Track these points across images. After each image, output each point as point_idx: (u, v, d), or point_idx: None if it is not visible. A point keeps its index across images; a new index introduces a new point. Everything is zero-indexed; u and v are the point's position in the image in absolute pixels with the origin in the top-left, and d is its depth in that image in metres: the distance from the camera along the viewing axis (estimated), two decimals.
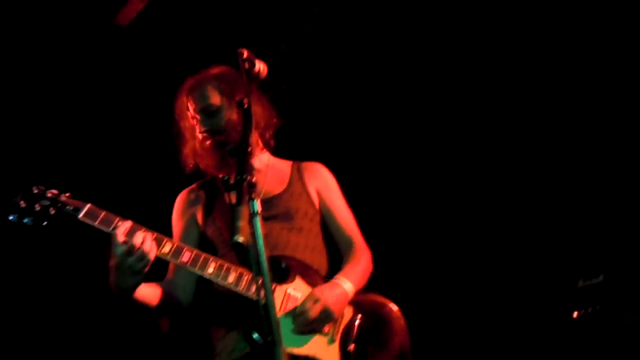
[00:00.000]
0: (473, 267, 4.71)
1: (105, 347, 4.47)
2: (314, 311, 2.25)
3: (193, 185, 2.70)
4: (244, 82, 2.12)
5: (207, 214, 2.56)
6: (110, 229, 2.17)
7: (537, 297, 4.41)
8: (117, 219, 2.20)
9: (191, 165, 2.64)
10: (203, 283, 2.44)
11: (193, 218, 2.59)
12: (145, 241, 2.13)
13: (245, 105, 2.02)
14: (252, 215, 1.74)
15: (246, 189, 1.72)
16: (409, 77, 4.49)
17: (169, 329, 4.59)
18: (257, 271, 1.70)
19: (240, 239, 1.58)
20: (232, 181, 1.78)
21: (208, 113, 2.57)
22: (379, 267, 2.65)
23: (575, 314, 3.90)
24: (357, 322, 2.37)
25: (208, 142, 2.57)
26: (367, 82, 4.50)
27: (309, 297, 2.29)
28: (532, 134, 4.53)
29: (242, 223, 1.61)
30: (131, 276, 2.15)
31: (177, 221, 2.62)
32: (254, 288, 2.25)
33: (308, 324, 2.26)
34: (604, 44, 4.11)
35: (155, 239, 2.22)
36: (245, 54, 2.19)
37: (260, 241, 1.72)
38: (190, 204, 2.63)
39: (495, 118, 4.61)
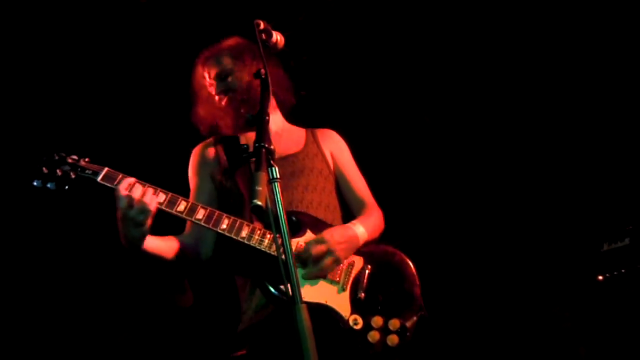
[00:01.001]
0: (500, 229, 4.73)
1: (132, 316, 4.62)
2: (316, 249, 2.32)
3: (209, 139, 2.75)
4: (261, 53, 2.16)
5: (225, 169, 2.61)
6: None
7: (562, 261, 4.42)
8: (134, 181, 2.29)
9: (207, 126, 2.72)
10: (225, 241, 2.48)
11: (209, 173, 2.66)
12: (145, 194, 2.21)
13: (263, 75, 2.08)
14: (272, 180, 1.82)
15: (264, 156, 1.80)
16: (427, 48, 4.49)
17: (193, 303, 4.70)
18: (277, 233, 1.77)
19: (259, 202, 1.65)
20: (251, 149, 1.85)
21: (222, 77, 2.71)
22: (393, 239, 2.71)
23: (600, 277, 3.91)
24: (367, 272, 2.42)
25: (224, 101, 2.68)
26: (385, 50, 4.50)
27: (313, 240, 2.37)
28: (562, 101, 4.53)
29: (260, 188, 1.68)
30: (135, 227, 2.22)
31: (193, 175, 2.69)
32: (266, 242, 2.32)
33: (312, 263, 2.32)
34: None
35: (170, 199, 2.30)
36: (262, 25, 2.25)
37: (280, 205, 1.80)
38: (206, 158, 2.69)
39: (517, 89, 4.60)
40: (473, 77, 4.62)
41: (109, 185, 2.26)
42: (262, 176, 1.74)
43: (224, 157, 2.63)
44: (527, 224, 4.67)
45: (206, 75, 2.75)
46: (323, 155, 2.72)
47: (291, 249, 1.77)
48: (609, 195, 4.33)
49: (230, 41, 2.81)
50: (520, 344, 4.48)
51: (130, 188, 2.23)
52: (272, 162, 1.83)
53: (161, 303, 4.60)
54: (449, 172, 4.86)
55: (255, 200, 1.65)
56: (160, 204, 2.27)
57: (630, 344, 3.83)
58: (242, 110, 2.59)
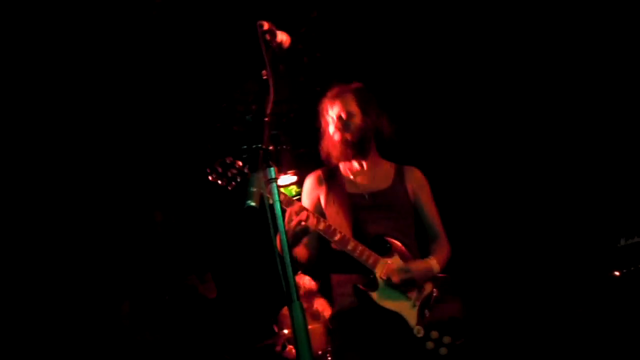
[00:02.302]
0: (518, 228, 4.73)
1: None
2: (403, 275, 2.96)
3: (319, 171, 3.31)
4: (264, 54, 2.20)
5: (327, 196, 3.21)
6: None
7: (579, 256, 4.41)
8: (305, 210, 2.90)
9: (324, 154, 3.26)
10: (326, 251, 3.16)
11: (318, 199, 3.24)
12: (308, 218, 2.85)
13: (264, 77, 2.12)
14: (270, 181, 1.88)
15: (261, 157, 1.84)
16: (438, 45, 4.50)
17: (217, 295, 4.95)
18: (274, 231, 1.83)
19: (253, 203, 1.72)
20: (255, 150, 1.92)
21: (345, 116, 3.16)
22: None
23: (617, 273, 3.90)
24: (434, 295, 3.06)
25: (338, 137, 3.17)
26: (399, 46, 4.51)
27: (402, 267, 2.99)
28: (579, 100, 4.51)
29: (255, 189, 1.74)
30: (295, 240, 2.92)
31: (306, 199, 3.27)
32: (364, 257, 2.97)
33: (399, 286, 2.97)
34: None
35: (327, 227, 2.96)
36: (266, 26, 2.27)
37: (278, 205, 1.86)
38: (315, 186, 3.27)
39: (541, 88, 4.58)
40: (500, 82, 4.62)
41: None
42: (258, 177, 1.79)
43: (328, 186, 3.23)
44: (544, 221, 4.66)
45: (330, 108, 3.19)
46: (406, 192, 3.25)
47: (290, 249, 1.85)
48: (626, 191, 4.30)
49: (360, 87, 3.26)
50: (533, 339, 4.48)
51: (297, 212, 2.85)
52: (270, 162, 1.89)
53: (183, 291, 4.82)
54: (466, 176, 4.87)
55: (248, 201, 1.71)
56: (316, 228, 2.93)
57: None
58: (350, 150, 3.17)
